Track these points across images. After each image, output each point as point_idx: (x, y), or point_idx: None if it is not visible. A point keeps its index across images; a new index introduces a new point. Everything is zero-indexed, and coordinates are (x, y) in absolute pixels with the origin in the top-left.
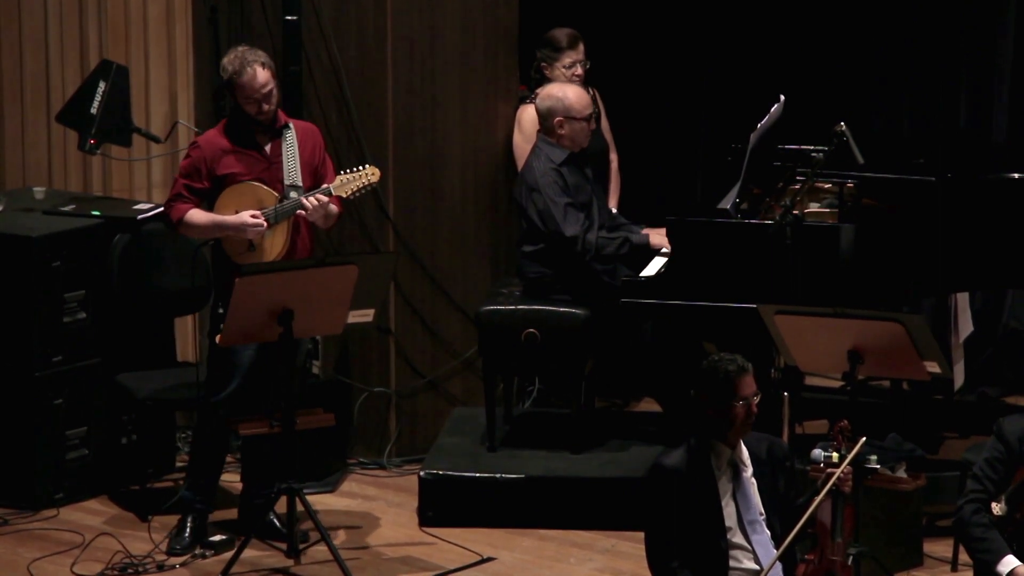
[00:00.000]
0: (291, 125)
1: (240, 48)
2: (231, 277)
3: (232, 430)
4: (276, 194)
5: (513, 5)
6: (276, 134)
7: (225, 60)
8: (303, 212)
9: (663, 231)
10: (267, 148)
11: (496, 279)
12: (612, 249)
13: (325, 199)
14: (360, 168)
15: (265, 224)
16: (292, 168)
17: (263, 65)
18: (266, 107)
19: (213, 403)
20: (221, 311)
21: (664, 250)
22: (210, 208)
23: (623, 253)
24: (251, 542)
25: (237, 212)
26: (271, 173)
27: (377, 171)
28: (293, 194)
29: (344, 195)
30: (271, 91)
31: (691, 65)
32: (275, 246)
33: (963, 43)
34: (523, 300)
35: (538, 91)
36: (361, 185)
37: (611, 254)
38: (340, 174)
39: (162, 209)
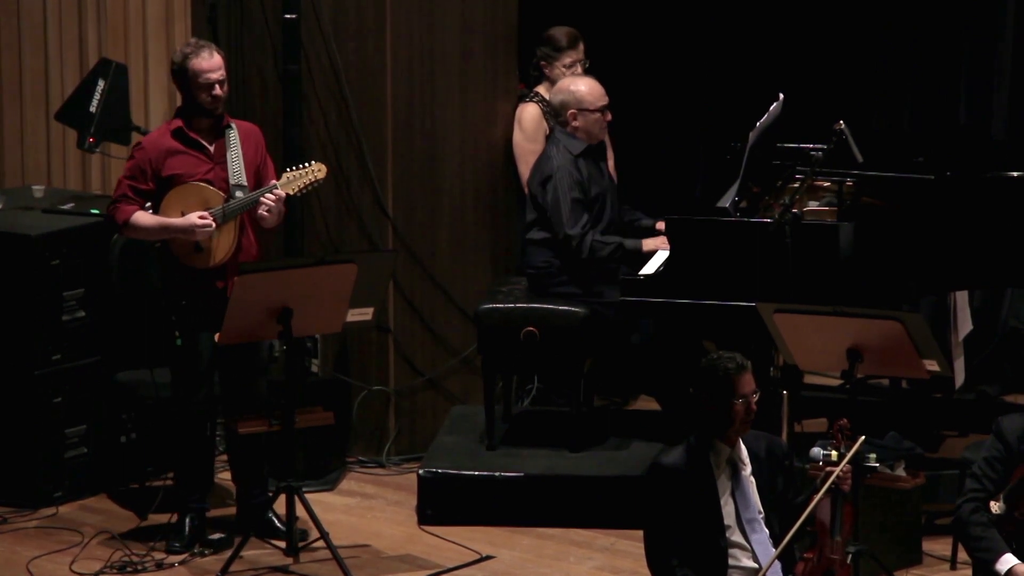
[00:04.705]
0: (233, 125)
1: (191, 39)
2: (178, 278)
3: (230, 428)
4: (222, 194)
5: (512, 3)
6: (220, 134)
7: (176, 51)
8: (263, 208)
9: (661, 239)
10: (211, 148)
11: (495, 277)
12: (606, 253)
13: (279, 196)
14: (306, 165)
15: (214, 224)
16: (236, 168)
17: (216, 51)
18: (218, 92)
19: (186, 402)
20: (174, 318)
21: (660, 252)
22: (156, 209)
23: (616, 257)
24: (250, 540)
25: (183, 213)
26: (216, 173)
27: (324, 167)
28: (239, 194)
29: (291, 192)
30: (224, 77)
31: (691, 65)
32: (222, 246)
33: (963, 42)
34: (522, 298)
35: (537, 89)
36: (308, 182)
37: (604, 258)
38: (287, 171)
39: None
